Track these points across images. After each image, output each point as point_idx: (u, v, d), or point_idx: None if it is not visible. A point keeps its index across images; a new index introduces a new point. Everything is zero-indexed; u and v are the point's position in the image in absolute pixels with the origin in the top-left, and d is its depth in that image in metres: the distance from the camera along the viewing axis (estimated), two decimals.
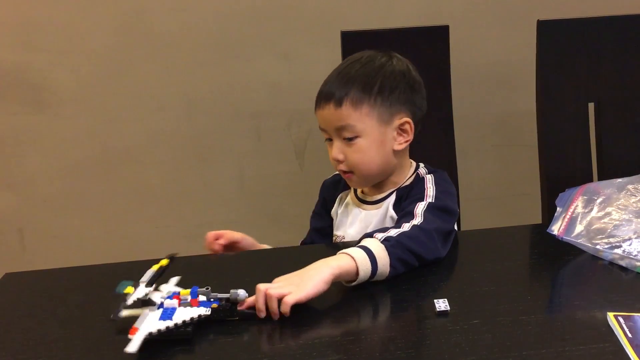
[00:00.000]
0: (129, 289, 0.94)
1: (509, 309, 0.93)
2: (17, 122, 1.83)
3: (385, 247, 1.01)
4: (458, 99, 1.53)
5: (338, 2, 1.81)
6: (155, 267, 1.00)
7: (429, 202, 1.12)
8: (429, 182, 1.18)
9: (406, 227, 1.06)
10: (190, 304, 0.92)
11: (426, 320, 0.92)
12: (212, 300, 0.94)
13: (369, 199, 1.23)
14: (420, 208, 1.10)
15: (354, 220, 1.24)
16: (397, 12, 1.82)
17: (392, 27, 1.51)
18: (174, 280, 1.00)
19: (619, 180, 1.23)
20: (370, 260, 0.99)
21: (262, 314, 0.92)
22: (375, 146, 1.15)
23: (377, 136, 1.15)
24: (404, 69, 1.18)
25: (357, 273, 0.98)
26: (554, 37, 1.46)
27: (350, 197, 1.27)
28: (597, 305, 0.92)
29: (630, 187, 1.20)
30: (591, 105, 1.49)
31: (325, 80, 1.20)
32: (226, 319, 0.93)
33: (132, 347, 0.83)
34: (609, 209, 1.16)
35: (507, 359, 0.81)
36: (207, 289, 0.95)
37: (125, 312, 0.92)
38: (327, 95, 1.16)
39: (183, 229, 1.88)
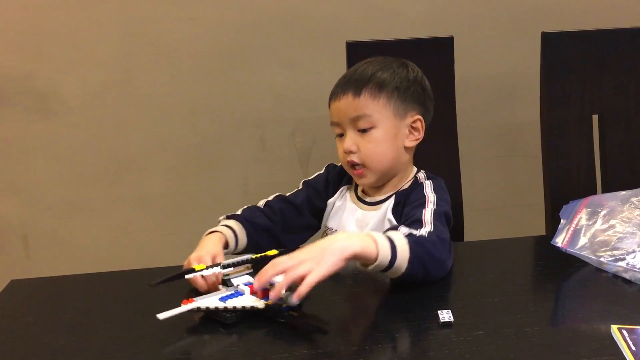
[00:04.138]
0: (201, 266, 1.00)
1: (512, 321, 0.93)
2: (23, 129, 1.83)
3: (408, 242, 1.01)
4: (462, 110, 1.53)
5: (343, 12, 1.82)
6: (256, 256, 1.03)
7: (434, 209, 1.12)
8: (428, 187, 1.19)
9: (423, 232, 1.05)
10: (258, 295, 0.96)
11: (430, 331, 0.92)
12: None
13: (368, 199, 1.24)
14: (427, 215, 1.10)
15: (349, 217, 1.24)
16: (401, 23, 1.83)
17: (397, 38, 1.52)
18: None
19: (623, 192, 1.23)
20: (391, 250, 0.99)
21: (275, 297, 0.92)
22: (389, 139, 1.18)
23: (391, 128, 1.18)
24: (419, 75, 1.24)
25: (376, 259, 0.98)
26: (558, 49, 1.47)
27: (349, 193, 1.27)
28: (600, 318, 0.93)
29: (634, 199, 1.20)
30: (595, 117, 1.50)
31: (341, 77, 1.23)
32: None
33: (164, 315, 0.90)
34: (613, 222, 1.16)
35: None
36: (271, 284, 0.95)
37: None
38: (346, 86, 1.19)
39: (187, 237, 1.86)
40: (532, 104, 1.53)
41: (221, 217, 1.23)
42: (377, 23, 1.82)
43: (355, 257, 0.97)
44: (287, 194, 1.29)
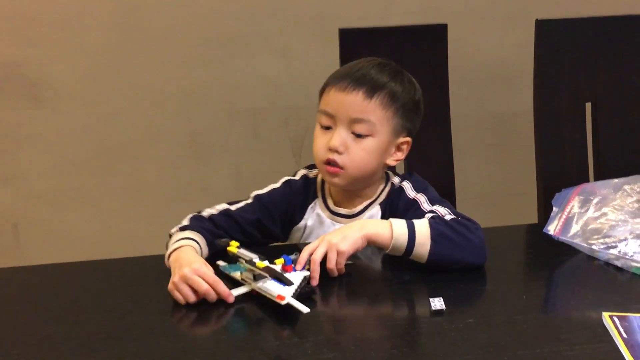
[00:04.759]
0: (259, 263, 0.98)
1: (504, 309, 0.93)
2: (13, 117, 1.82)
3: (429, 220, 1.04)
4: (455, 98, 1.52)
5: None
6: (234, 250, 1.02)
7: (443, 205, 1.12)
8: (410, 189, 1.16)
9: (454, 216, 1.07)
10: (286, 270, 0.98)
11: (421, 318, 0.93)
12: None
13: (344, 212, 1.17)
14: (441, 210, 1.10)
15: (327, 232, 1.15)
16: (395, 10, 1.81)
17: (390, 25, 1.50)
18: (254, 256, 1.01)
19: (615, 180, 1.23)
20: (408, 230, 1.02)
21: (316, 282, 0.99)
22: (379, 152, 1.12)
23: (384, 143, 1.12)
24: (421, 97, 1.18)
25: (390, 239, 1.02)
26: (552, 36, 1.46)
27: (319, 208, 1.19)
28: (592, 305, 0.93)
29: (626, 187, 1.20)
30: (588, 106, 1.49)
31: (348, 67, 1.14)
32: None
33: (304, 307, 0.90)
34: (605, 210, 1.16)
35: (502, 359, 0.81)
36: (296, 254, 1.01)
37: (241, 290, 0.97)
38: (358, 83, 1.10)
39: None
40: (526, 92, 1.52)
41: (173, 230, 1.10)
42: (370, 10, 1.81)
43: (369, 240, 1.02)
44: (234, 208, 1.15)
